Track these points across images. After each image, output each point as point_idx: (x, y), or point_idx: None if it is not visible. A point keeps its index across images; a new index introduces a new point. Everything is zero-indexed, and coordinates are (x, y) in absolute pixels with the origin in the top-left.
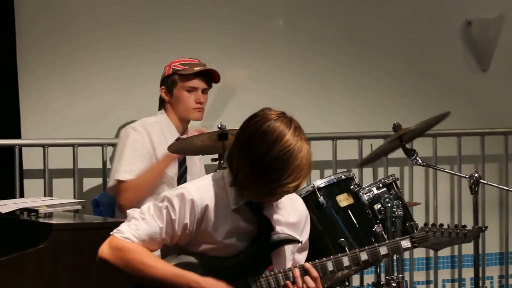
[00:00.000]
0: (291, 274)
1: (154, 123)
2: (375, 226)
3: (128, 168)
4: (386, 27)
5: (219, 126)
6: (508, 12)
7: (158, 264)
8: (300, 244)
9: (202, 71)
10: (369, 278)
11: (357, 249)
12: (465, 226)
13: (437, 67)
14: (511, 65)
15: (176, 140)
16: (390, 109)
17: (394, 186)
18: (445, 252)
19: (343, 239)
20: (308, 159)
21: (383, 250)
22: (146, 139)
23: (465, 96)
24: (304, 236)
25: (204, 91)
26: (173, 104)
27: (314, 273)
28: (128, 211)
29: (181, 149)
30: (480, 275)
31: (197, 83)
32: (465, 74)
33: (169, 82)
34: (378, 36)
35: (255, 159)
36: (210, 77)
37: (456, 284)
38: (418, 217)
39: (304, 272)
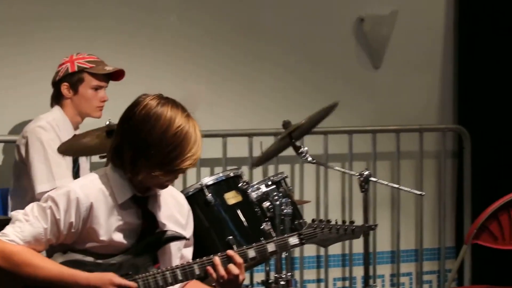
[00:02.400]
0: (178, 272)
1: (54, 120)
2: (264, 224)
3: (60, 171)
4: (279, 23)
5: (108, 122)
6: (401, 9)
7: (45, 265)
8: (186, 240)
9: (111, 71)
10: (259, 277)
11: (244, 247)
12: (353, 222)
13: (330, 64)
14: (403, 62)
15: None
16: (282, 106)
17: (283, 184)
18: (336, 250)
19: (231, 237)
20: (200, 134)
21: (271, 247)
22: (56, 136)
23: (357, 93)
24: (189, 231)
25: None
26: (76, 101)
27: (239, 259)
28: (12, 213)
29: (69, 148)
30: (371, 273)
31: (104, 82)
32: (358, 71)
33: (74, 79)
34: (271, 32)
35: (152, 145)
36: (112, 75)
37: (347, 282)
38: (309, 215)
39: (228, 259)
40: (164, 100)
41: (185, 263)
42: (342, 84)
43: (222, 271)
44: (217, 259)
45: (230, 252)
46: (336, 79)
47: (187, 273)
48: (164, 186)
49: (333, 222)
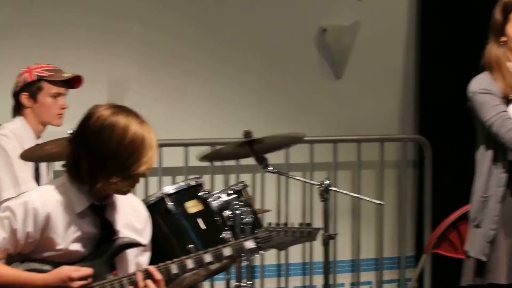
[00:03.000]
0: (134, 279)
1: (16, 129)
2: (224, 232)
3: (24, 175)
4: (242, 33)
5: (70, 132)
6: (363, 19)
7: (3, 271)
8: (142, 247)
9: (70, 77)
10: (219, 285)
11: (201, 251)
12: (309, 224)
13: (292, 74)
14: (365, 72)
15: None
16: (245, 116)
17: (244, 193)
18: (296, 259)
19: (191, 246)
20: (154, 138)
21: (227, 251)
22: (19, 144)
23: (319, 103)
24: (146, 238)
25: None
26: (36, 110)
27: (157, 276)
28: None
29: (31, 155)
30: (332, 282)
31: (63, 89)
32: (320, 81)
33: (33, 88)
34: (235, 42)
35: (109, 154)
36: (71, 82)
37: None
38: None
39: (148, 275)
40: (117, 108)
41: (120, 275)
42: (304, 94)
43: (140, 287)
44: (139, 275)
45: (150, 268)
46: (298, 89)
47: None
48: (124, 193)
49: (289, 225)
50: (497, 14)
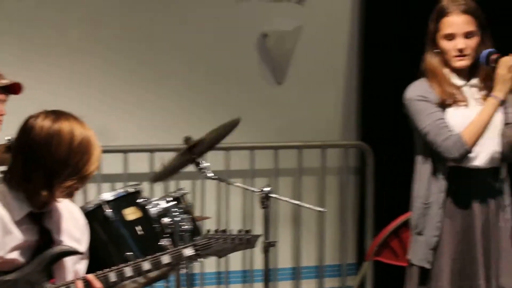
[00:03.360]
0: (73, 287)
1: None
2: (163, 240)
3: None
4: (182, 38)
5: (8, 139)
6: (305, 24)
7: None
8: (81, 254)
9: (8, 84)
10: None
11: (139, 259)
12: (248, 231)
13: (233, 79)
14: (307, 78)
15: None
16: (185, 122)
17: (183, 200)
18: (236, 266)
19: (129, 253)
20: (97, 140)
21: (166, 259)
22: None
23: (260, 109)
24: (84, 245)
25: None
26: None
27: (97, 284)
28: None
29: None
30: None
31: (2, 96)
32: (261, 86)
33: None
34: (175, 47)
35: (61, 161)
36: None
37: None
38: None
39: (87, 283)
40: (55, 115)
41: (58, 284)
42: (245, 99)
43: None
44: (79, 283)
45: (89, 276)
46: (239, 95)
47: None
48: (72, 194)
49: (228, 232)
50: (431, 24)
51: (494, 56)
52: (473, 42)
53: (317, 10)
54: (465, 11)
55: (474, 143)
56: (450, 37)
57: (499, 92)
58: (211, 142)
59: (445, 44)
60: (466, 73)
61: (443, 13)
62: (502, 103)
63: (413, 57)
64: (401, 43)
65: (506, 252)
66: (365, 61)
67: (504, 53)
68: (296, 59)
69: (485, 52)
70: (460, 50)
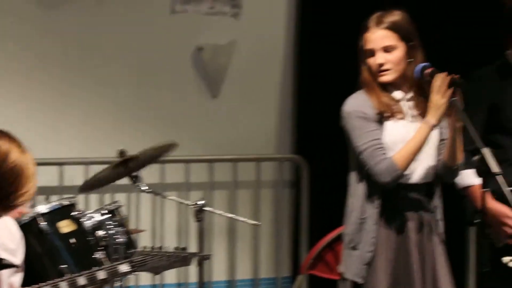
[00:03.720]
0: None
1: None
2: (98, 252)
3: None
4: (117, 51)
5: None
6: (239, 38)
7: None
8: (16, 267)
9: None
10: None
11: (75, 274)
12: (184, 248)
13: (168, 94)
14: (242, 91)
15: None
16: (120, 135)
17: (118, 213)
18: (171, 279)
19: (64, 266)
20: (35, 169)
21: (101, 275)
22: None
23: (195, 123)
24: (19, 258)
25: None
26: None
27: None
28: None
29: None
30: None
31: None
32: (196, 100)
33: None
34: (108, 59)
35: None
36: None
37: None
38: (145, 244)
39: None
40: None
41: None
42: (180, 112)
43: None
44: None
45: None
46: (174, 108)
47: None
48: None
49: (164, 249)
50: (360, 40)
51: (428, 70)
52: (393, 56)
53: (252, 24)
54: (384, 26)
55: (406, 167)
56: (371, 52)
57: (432, 118)
58: (145, 160)
59: (368, 60)
60: (401, 87)
61: (364, 30)
62: (434, 127)
63: (348, 71)
64: (337, 56)
65: (441, 266)
66: (300, 74)
67: (438, 67)
68: (231, 73)
69: (419, 66)
70: (380, 65)
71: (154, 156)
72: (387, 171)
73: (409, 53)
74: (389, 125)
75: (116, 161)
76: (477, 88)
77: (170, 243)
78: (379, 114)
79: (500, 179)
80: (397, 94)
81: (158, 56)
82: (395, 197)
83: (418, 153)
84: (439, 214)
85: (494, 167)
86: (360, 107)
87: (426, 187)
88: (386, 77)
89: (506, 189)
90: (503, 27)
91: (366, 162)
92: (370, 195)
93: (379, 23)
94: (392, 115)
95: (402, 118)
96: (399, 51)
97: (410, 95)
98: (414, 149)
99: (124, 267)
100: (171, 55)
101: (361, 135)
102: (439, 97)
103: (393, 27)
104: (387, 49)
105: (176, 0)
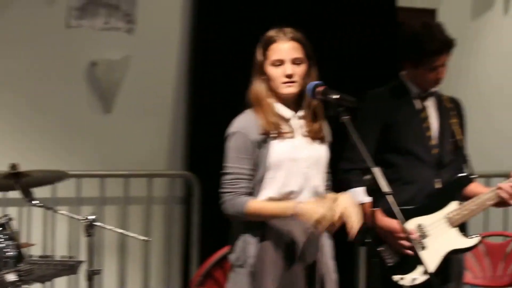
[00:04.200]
0: None
1: None
2: None
3: None
4: (8, 65)
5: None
6: (133, 53)
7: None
8: None
9: None
10: None
11: None
12: (71, 257)
13: (61, 108)
14: (135, 107)
15: None
16: (11, 148)
17: (9, 226)
18: None
19: None
20: None
21: None
22: None
23: (88, 138)
24: None
25: None
26: None
27: None
28: None
29: None
30: None
31: None
32: (89, 115)
33: None
34: (0, 74)
35: None
36: None
37: None
38: None
39: None
40: None
41: None
42: (72, 127)
43: None
44: None
45: None
46: (67, 123)
47: None
48: None
49: (51, 258)
50: (258, 53)
51: (320, 89)
52: (300, 69)
53: (146, 39)
54: (293, 39)
55: (251, 218)
56: (279, 63)
57: (300, 212)
58: (36, 180)
59: (273, 71)
60: (293, 104)
61: (271, 41)
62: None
63: (242, 88)
64: (230, 73)
65: (329, 269)
66: (193, 91)
67: (329, 85)
68: (124, 88)
69: (311, 84)
70: (289, 76)
71: (45, 179)
72: (234, 207)
73: (308, 71)
74: (275, 144)
75: (6, 173)
76: (371, 108)
77: None
78: (265, 134)
79: (390, 199)
80: (287, 113)
81: (52, 70)
82: None
83: (269, 219)
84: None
85: (384, 186)
86: (245, 128)
87: None
88: (291, 89)
89: (396, 209)
90: (400, 50)
91: (223, 186)
92: None
93: (288, 34)
94: (279, 135)
95: (291, 137)
96: (304, 66)
97: (301, 113)
98: (268, 214)
99: (11, 276)
100: (65, 70)
101: (233, 157)
102: (321, 209)
103: (301, 42)
104: (295, 61)
105: (71, 15)
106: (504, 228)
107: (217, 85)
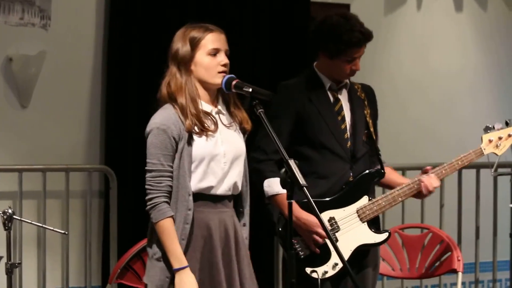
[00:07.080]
0: None
1: None
2: None
3: None
4: None
5: None
6: (49, 49)
7: None
8: None
9: None
10: None
11: None
12: None
13: None
14: (52, 101)
15: None
16: None
17: None
18: None
19: None
20: None
21: None
22: None
23: (5, 133)
24: None
25: None
26: None
27: None
28: None
29: None
30: None
31: None
32: (5, 110)
33: None
34: None
35: None
36: None
37: None
38: None
39: None
40: None
41: None
42: None
43: None
44: None
45: None
46: None
47: None
48: None
49: None
50: (183, 45)
51: (234, 82)
52: (228, 62)
53: (61, 35)
54: (222, 32)
55: (156, 230)
56: (215, 51)
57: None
58: None
59: (207, 60)
60: (213, 98)
61: (204, 31)
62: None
63: (158, 83)
64: (147, 67)
65: (247, 258)
66: (109, 85)
67: (243, 79)
68: (41, 83)
69: (225, 77)
70: (225, 65)
71: None
72: (155, 212)
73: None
74: (197, 139)
75: None
76: (284, 99)
77: None
78: (186, 129)
79: (306, 192)
80: (208, 107)
81: None
82: (202, 209)
83: (163, 246)
84: (245, 220)
85: (300, 179)
86: (165, 124)
87: (233, 198)
88: (222, 79)
89: (312, 202)
90: (316, 41)
91: (148, 183)
92: (179, 209)
93: (218, 28)
94: (202, 130)
95: (212, 132)
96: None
97: (219, 107)
98: (166, 245)
99: None
100: None
101: (154, 154)
102: None
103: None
104: (226, 53)
105: None
106: (421, 220)
107: (133, 80)
